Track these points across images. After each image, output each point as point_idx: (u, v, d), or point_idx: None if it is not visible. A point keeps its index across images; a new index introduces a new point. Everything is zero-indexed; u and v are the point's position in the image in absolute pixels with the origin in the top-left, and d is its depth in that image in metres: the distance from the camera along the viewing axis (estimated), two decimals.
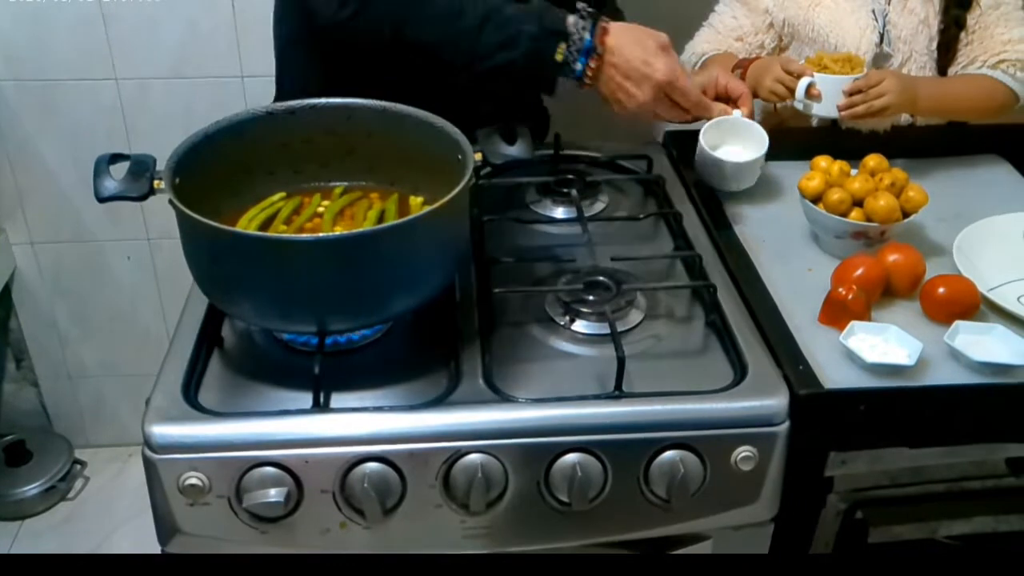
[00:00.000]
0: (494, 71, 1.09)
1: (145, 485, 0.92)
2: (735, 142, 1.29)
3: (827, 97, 1.32)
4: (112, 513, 2.01)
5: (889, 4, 1.45)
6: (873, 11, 1.44)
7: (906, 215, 1.17)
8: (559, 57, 1.06)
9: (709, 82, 1.30)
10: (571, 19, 1.07)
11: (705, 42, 1.56)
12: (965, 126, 1.56)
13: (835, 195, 1.16)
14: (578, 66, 1.07)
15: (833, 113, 1.33)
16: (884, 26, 1.45)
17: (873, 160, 1.22)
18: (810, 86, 1.32)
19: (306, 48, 1.28)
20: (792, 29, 1.50)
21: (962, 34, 1.45)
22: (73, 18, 1.72)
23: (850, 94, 1.32)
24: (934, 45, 1.46)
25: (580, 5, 1.07)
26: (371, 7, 1.09)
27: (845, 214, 1.16)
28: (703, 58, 1.54)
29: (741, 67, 1.43)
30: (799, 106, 1.34)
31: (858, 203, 1.17)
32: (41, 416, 2.14)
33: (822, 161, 1.22)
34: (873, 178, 1.19)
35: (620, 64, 1.08)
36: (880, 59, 1.46)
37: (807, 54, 1.45)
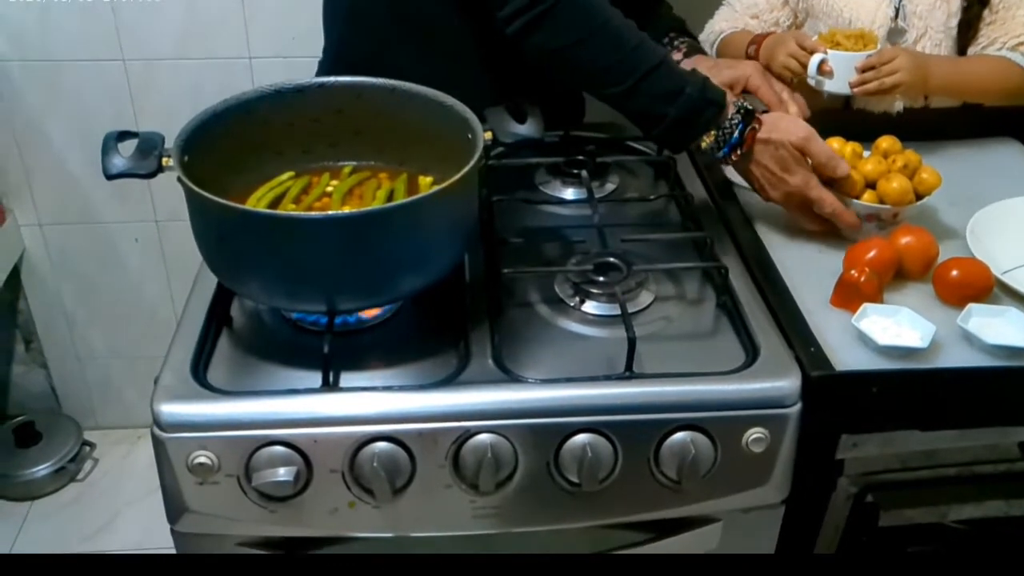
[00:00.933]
0: (643, 115, 1.10)
1: (153, 467, 0.92)
2: None
3: (839, 74, 1.31)
4: (121, 494, 2.02)
5: None
6: None
7: (919, 197, 1.16)
8: (704, 144, 1.10)
9: (739, 79, 1.30)
10: (730, 109, 1.10)
11: (723, 20, 1.55)
12: (979, 108, 1.54)
13: (847, 178, 1.15)
14: (720, 154, 1.11)
15: (845, 90, 1.32)
16: (900, 1, 1.43)
17: (886, 142, 1.21)
18: (822, 62, 1.31)
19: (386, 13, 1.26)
20: (807, 4, 1.48)
21: (985, 12, 1.43)
22: None
23: (863, 70, 1.31)
24: (952, 22, 1.44)
25: (740, 102, 1.10)
26: (556, 18, 1.07)
27: (858, 196, 1.15)
28: (720, 36, 1.54)
29: (755, 42, 1.43)
30: (811, 82, 1.33)
31: (871, 185, 1.16)
32: (50, 398, 2.15)
33: (835, 143, 1.20)
34: (886, 160, 1.18)
35: (757, 165, 1.13)
36: (894, 34, 1.44)
37: (821, 30, 1.44)
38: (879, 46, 1.36)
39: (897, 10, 1.43)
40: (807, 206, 1.14)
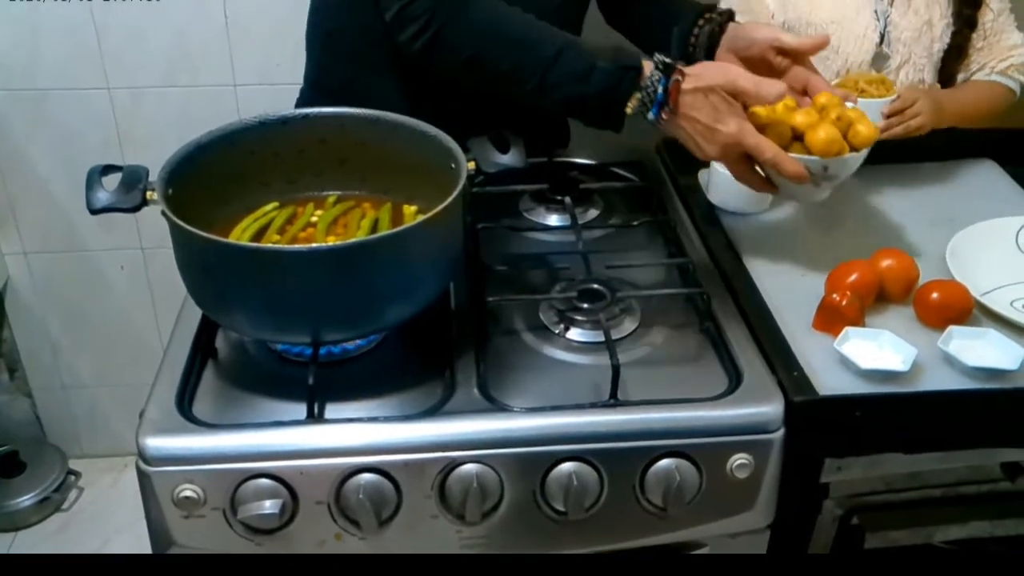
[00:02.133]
0: (565, 103, 1.08)
1: (139, 495, 0.91)
2: None
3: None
4: (107, 524, 2.00)
5: (892, 5, 1.46)
6: (875, 11, 1.45)
7: (854, 150, 1.09)
8: (629, 109, 1.06)
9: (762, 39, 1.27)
10: (647, 68, 1.05)
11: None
12: (956, 130, 1.57)
13: (775, 129, 1.08)
14: (650, 116, 1.06)
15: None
16: (885, 27, 1.45)
17: (824, 97, 1.13)
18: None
19: (351, 40, 1.27)
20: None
21: (975, 37, 1.47)
22: (64, 26, 1.72)
23: (888, 115, 1.34)
24: (936, 48, 1.48)
25: (657, 57, 1.05)
26: (444, 39, 1.08)
27: (786, 148, 1.07)
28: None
29: None
30: None
31: (799, 138, 1.10)
32: (35, 426, 2.13)
33: None
34: (819, 113, 1.11)
35: (687, 120, 1.06)
36: (879, 59, 1.47)
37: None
38: (896, 89, 1.38)
39: (882, 36, 1.45)
40: (747, 159, 1.08)
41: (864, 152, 1.10)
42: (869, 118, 1.24)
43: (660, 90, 1.04)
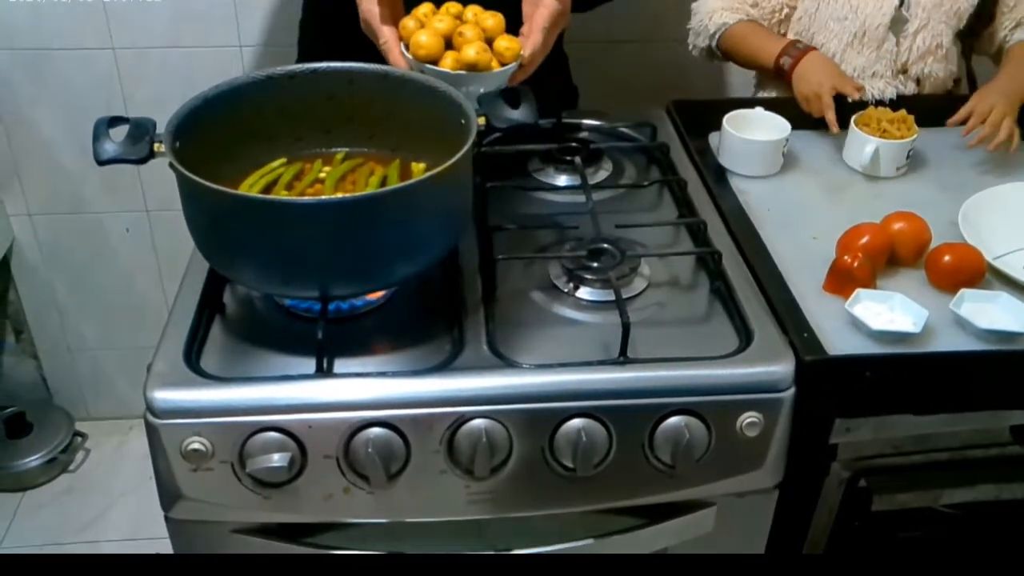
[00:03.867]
0: None
1: (146, 457, 0.91)
2: (757, 132, 1.29)
3: (889, 159, 1.29)
4: (113, 485, 2.02)
5: None
6: None
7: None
8: None
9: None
10: None
11: (720, 8, 1.50)
12: (967, 97, 1.55)
13: (419, 36, 1.04)
14: None
15: (891, 174, 1.30)
16: None
17: (471, 11, 1.08)
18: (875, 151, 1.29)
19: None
20: None
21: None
22: None
23: (964, 124, 1.32)
24: (960, 9, 1.46)
25: None
26: None
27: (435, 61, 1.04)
28: (723, 27, 1.49)
29: (793, 57, 1.41)
30: (859, 168, 1.30)
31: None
32: (41, 388, 2.14)
33: (423, 7, 1.09)
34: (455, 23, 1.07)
35: None
36: (897, 22, 1.45)
37: (822, 17, 1.44)
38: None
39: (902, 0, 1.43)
40: (377, 42, 1.08)
41: (463, 72, 1.04)
42: (890, 159, 1.25)
43: None
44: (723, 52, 1.52)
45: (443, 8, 1.08)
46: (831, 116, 1.34)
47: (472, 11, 1.08)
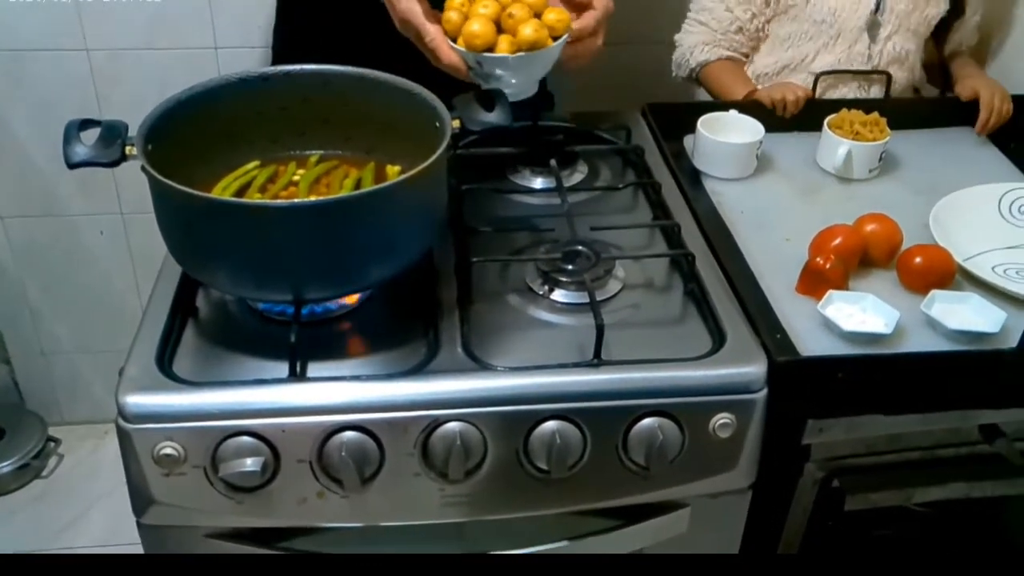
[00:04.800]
0: None
1: (120, 463, 0.91)
2: (731, 134, 1.30)
3: (862, 161, 1.30)
4: (87, 490, 1.99)
5: None
6: None
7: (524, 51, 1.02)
8: None
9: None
10: None
11: (703, 44, 1.54)
12: (939, 98, 1.58)
13: (479, 19, 1.00)
14: None
15: (864, 176, 1.32)
16: None
17: None
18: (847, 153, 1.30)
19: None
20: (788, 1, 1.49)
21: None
22: None
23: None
24: (928, 18, 1.51)
25: None
26: None
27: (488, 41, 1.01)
28: (702, 64, 1.55)
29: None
30: (831, 169, 1.32)
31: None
32: (13, 393, 2.11)
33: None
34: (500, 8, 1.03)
35: None
36: (872, 27, 1.47)
37: (800, 23, 1.47)
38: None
39: (878, 4, 1.46)
40: (422, 40, 1.04)
41: (523, 54, 1.01)
42: (863, 160, 1.29)
43: None
44: (701, 85, 1.59)
45: None
46: (797, 97, 1.40)
47: None
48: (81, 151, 0.93)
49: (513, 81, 1.05)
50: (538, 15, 1.02)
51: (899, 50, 1.50)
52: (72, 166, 0.92)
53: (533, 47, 1.00)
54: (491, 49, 1.01)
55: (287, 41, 1.42)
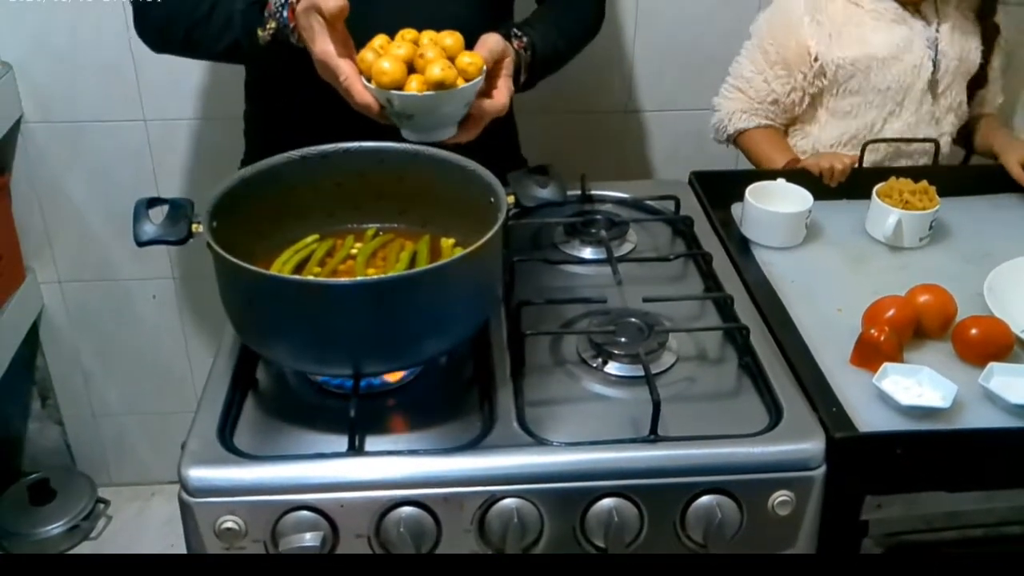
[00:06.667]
0: (231, 53, 1.20)
1: (167, 524, 0.92)
2: (779, 203, 1.31)
3: (912, 231, 1.30)
4: (134, 551, 2.00)
5: (938, 32, 1.49)
6: (926, 39, 1.49)
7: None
8: (261, 38, 1.15)
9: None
10: None
11: (740, 111, 1.57)
12: (988, 166, 1.57)
13: (392, 59, 1.02)
14: (292, 39, 1.12)
15: (915, 245, 1.31)
16: (936, 55, 1.48)
17: (427, 36, 1.06)
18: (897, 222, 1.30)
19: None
20: (841, 69, 1.49)
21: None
22: (102, 61, 1.75)
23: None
24: (966, 70, 1.54)
25: None
26: (145, 20, 1.24)
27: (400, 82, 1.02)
28: (740, 132, 1.58)
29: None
30: (881, 238, 1.32)
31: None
32: (65, 455, 2.15)
33: (378, 39, 1.07)
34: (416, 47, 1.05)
35: (302, 41, 1.11)
36: (932, 86, 1.51)
37: (862, 90, 1.49)
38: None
39: (935, 64, 1.49)
40: (338, 81, 1.07)
41: (431, 93, 1.01)
42: (913, 229, 1.29)
43: (284, 13, 1.12)
44: (739, 148, 1.61)
45: (399, 36, 1.06)
46: (844, 165, 1.41)
47: (428, 36, 1.06)
48: (150, 229, 0.96)
49: (424, 121, 1.06)
50: (452, 58, 1.04)
51: (952, 102, 1.52)
52: (142, 244, 0.96)
53: (440, 86, 1.01)
54: (401, 88, 1.03)
55: (257, 121, 1.46)
